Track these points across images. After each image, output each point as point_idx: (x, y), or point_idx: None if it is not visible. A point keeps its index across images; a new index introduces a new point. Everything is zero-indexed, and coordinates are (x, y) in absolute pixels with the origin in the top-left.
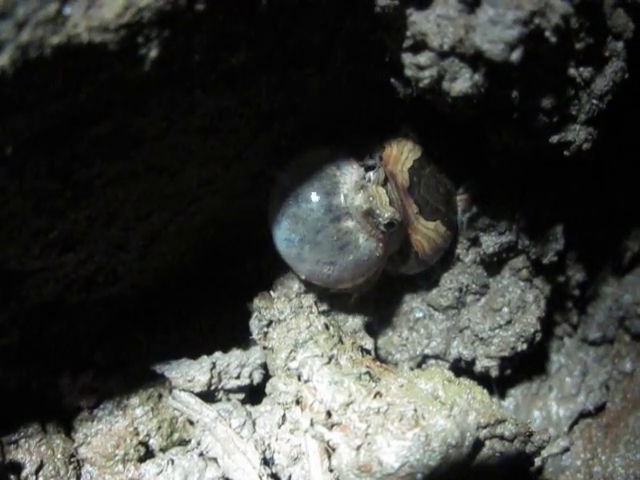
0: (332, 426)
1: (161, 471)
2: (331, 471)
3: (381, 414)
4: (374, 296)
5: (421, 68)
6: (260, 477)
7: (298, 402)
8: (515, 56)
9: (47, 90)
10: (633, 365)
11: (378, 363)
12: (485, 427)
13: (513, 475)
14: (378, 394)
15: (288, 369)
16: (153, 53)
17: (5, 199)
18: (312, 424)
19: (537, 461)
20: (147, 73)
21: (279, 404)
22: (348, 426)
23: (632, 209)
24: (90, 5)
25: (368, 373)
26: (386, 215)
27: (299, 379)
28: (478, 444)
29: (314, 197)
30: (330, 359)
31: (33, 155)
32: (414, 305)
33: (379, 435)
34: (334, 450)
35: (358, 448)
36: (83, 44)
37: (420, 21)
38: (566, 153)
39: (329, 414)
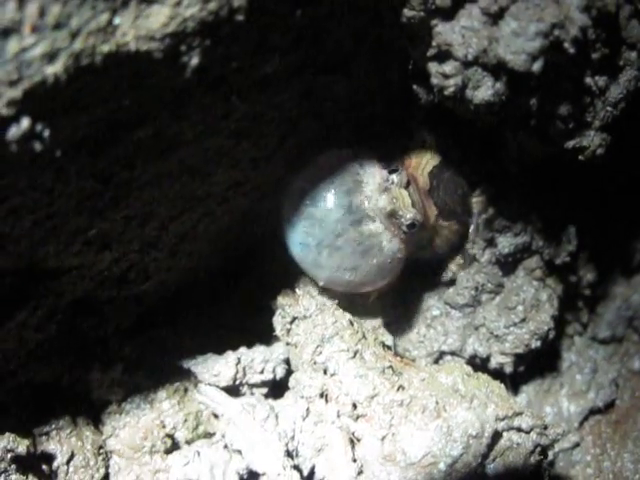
0: (357, 418)
1: (188, 462)
2: (354, 461)
3: (404, 406)
4: (392, 294)
5: (446, 77)
6: (284, 468)
7: (322, 395)
8: (537, 66)
9: (95, 95)
10: None
11: (399, 358)
12: (503, 419)
13: (529, 467)
14: (401, 387)
15: (314, 363)
16: (194, 61)
17: (50, 200)
18: (338, 415)
19: (545, 465)
20: (188, 80)
21: (303, 397)
22: (373, 417)
23: None
24: (138, 15)
25: (391, 367)
26: (409, 216)
27: (325, 373)
28: (497, 435)
29: (334, 196)
30: (355, 354)
31: (78, 158)
32: (431, 303)
33: (403, 426)
34: (359, 440)
35: (383, 438)
36: (131, 52)
37: (445, 32)
38: (581, 158)
39: (354, 406)
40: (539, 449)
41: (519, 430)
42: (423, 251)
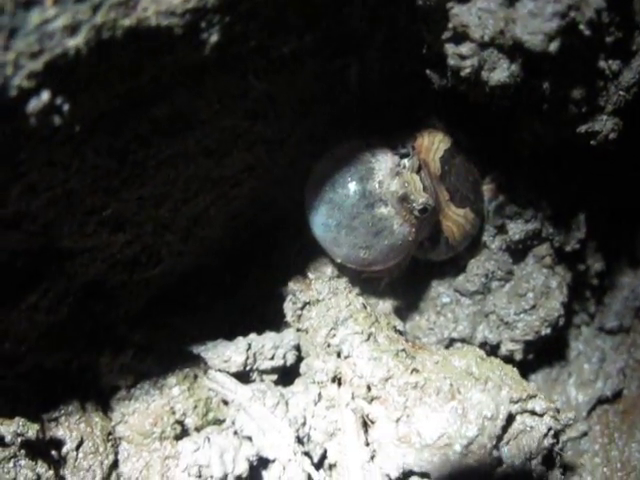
0: (372, 400)
1: (198, 448)
2: (367, 445)
3: (419, 388)
4: (403, 282)
5: (463, 58)
6: (294, 454)
7: (335, 379)
8: (553, 47)
9: (115, 70)
10: None
11: (411, 343)
12: (517, 402)
13: (542, 451)
14: (415, 370)
15: (328, 346)
16: (214, 38)
17: (67, 177)
18: (353, 398)
19: (557, 449)
20: (206, 57)
21: (314, 383)
22: (387, 399)
23: None
24: None
25: (404, 350)
26: (420, 200)
27: (338, 356)
28: (510, 418)
29: (350, 183)
30: (369, 336)
31: (96, 134)
32: (441, 290)
33: (417, 408)
34: (373, 423)
35: (397, 420)
36: (151, 27)
37: (462, 13)
38: (593, 143)
39: (369, 388)
40: (552, 433)
41: (533, 413)
42: (437, 249)
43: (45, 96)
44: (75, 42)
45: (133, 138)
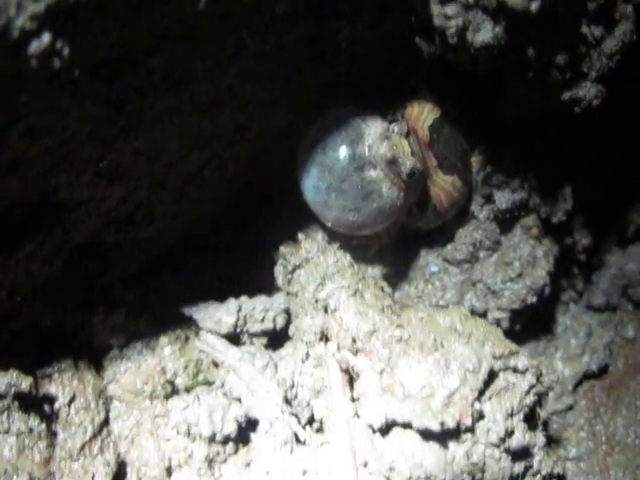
0: (357, 352)
1: (187, 406)
2: (353, 401)
3: (403, 342)
4: (392, 250)
5: (448, 18)
6: (282, 413)
7: (322, 337)
8: (534, 6)
9: (113, 17)
10: (635, 332)
11: (397, 304)
12: (499, 358)
13: (523, 408)
14: (400, 325)
15: (316, 300)
16: None
17: (66, 123)
18: (338, 349)
19: (543, 415)
20: (201, 11)
21: (303, 342)
22: (372, 352)
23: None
24: None
25: (390, 307)
26: (408, 164)
27: (326, 311)
28: (493, 374)
29: (340, 146)
30: (355, 292)
31: (95, 81)
32: (430, 259)
33: (401, 360)
34: (358, 376)
35: (381, 372)
36: None
37: None
38: (577, 109)
39: (354, 341)
40: (534, 390)
41: (515, 370)
42: (425, 216)
43: (46, 38)
44: None
45: (130, 88)
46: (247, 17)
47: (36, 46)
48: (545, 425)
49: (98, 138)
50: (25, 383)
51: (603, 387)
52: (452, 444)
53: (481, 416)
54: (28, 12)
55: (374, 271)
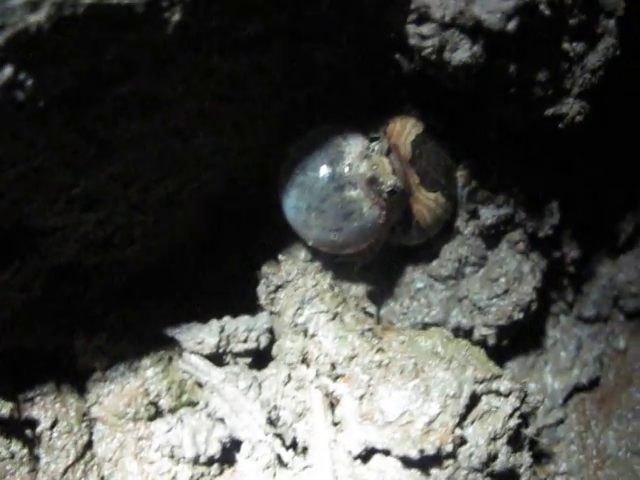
0: (336, 378)
1: (170, 429)
2: (335, 425)
3: (383, 367)
4: (376, 267)
5: (424, 37)
6: (265, 434)
7: (304, 360)
8: (511, 26)
9: (77, 47)
10: (626, 343)
11: (381, 325)
12: (482, 382)
13: (507, 431)
14: (380, 349)
15: (295, 325)
16: (176, 17)
17: (35, 152)
18: (317, 375)
19: (532, 430)
20: (169, 36)
21: (285, 364)
22: (351, 377)
23: (627, 192)
24: None
25: (371, 330)
26: (389, 182)
27: (305, 335)
28: (475, 398)
29: (320, 166)
30: (335, 316)
31: (61, 111)
32: (415, 276)
33: (381, 386)
34: (338, 401)
35: (361, 398)
36: (112, 4)
37: None
38: (560, 126)
39: (333, 366)
40: (518, 413)
41: (498, 394)
42: (409, 233)
43: (8, 71)
44: (37, 18)
45: (99, 116)
46: (218, 40)
47: None
48: (533, 442)
49: (69, 166)
50: (5, 408)
51: (594, 400)
52: (434, 470)
53: (463, 441)
54: None
55: (358, 289)
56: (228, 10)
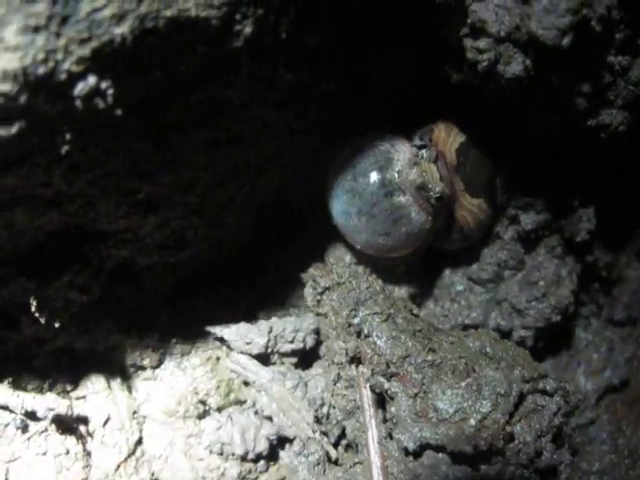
0: (391, 377)
1: (220, 427)
2: (385, 422)
3: (435, 366)
4: (418, 270)
5: (480, 52)
6: (314, 432)
7: (354, 359)
8: (566, 41)
9: (156, 58)
10: None
11: (429, 326)
12: (529, 381)
13: (552, 429)
14: (432, 350)
15: (349, 326)
16: (247, 29)
17: (107, 159)
18: (373, 374)
19: (567, 430)
20: (240, 48)
21: (334, 364)
22: (405, 376)
23: None
24: None
25: (421, 331)
26: (437, 189)
27: (359, 336)
28: (522, 396)
29: (370, 172)
30: (388, 317)
31: (136, 119)
32: (455, 279)
33: (434, 384)
34: (392, 399)
35: (415, 396)
36: (190, 17)
37: (480, 10)
38: (603, 135)
39: (388, 366)
40: (562, 412)
41: (544, 393)
42: (452, 238)
43: (91, 80)
44: (121, 30)
45: (169, 124)
46: (284, 52)
47: (81, 88)
48: (569, 441)
49: (137, 172)
50: (62, 406)
51: (625, 401)
52: (484, 466)
53: (512, 438)
54: (75, 55)
55: (401, 291)
56: (293, 23)
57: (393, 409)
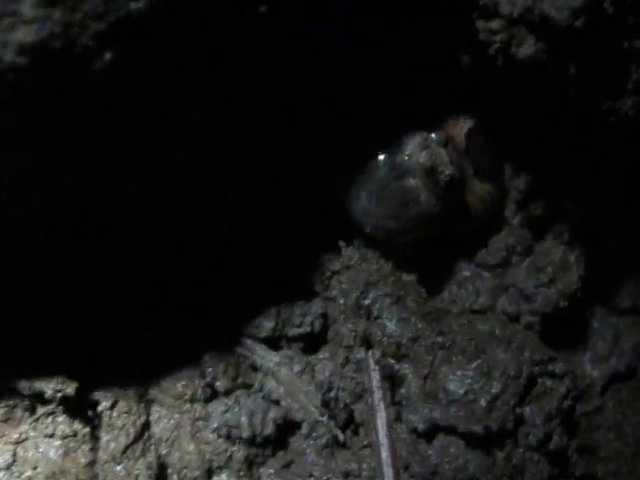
0: (400, 358)
1: (228, 410)
2: (393, 404)
3: (445, 348)
4: (426, 255)
5: (493, 33)
6: (322, 415)
7: (363, 341)
8: (579, 22)
9: (170, 34)
10: None
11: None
12: (538, 364)
13: (562, 413)
14: (441, 332)
15: (359, 308)
16: (262, 8)
17: None
18: (383, 356)
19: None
20: (253, 29)
21: (342, 347)
22: (415, 358)
23: None
24: None
25: (431, 313)
26: (447, 172)
27: (368, 318)
28: (532, 379)
29: (380, 156)
30: (398, 299)
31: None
32: (462, 265)
33: (444, 366)
34: (403, 381)
35: (425, 377)
36: None
37: None
38: (612, 119)
39: (398, 347)
40: (571, 395)
41: (553, 375)
42: (460, 221)
43: (107, 56)
44: (137, 5)
45: (180, 102)
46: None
47: (97, 63)
48: (576, 426)
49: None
50: (70, 388)
51: (630, 389)
52: (494, 448)
53: (522, 420)
54: (91, 30)
55: (409, 276)
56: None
57: (403, 390)
